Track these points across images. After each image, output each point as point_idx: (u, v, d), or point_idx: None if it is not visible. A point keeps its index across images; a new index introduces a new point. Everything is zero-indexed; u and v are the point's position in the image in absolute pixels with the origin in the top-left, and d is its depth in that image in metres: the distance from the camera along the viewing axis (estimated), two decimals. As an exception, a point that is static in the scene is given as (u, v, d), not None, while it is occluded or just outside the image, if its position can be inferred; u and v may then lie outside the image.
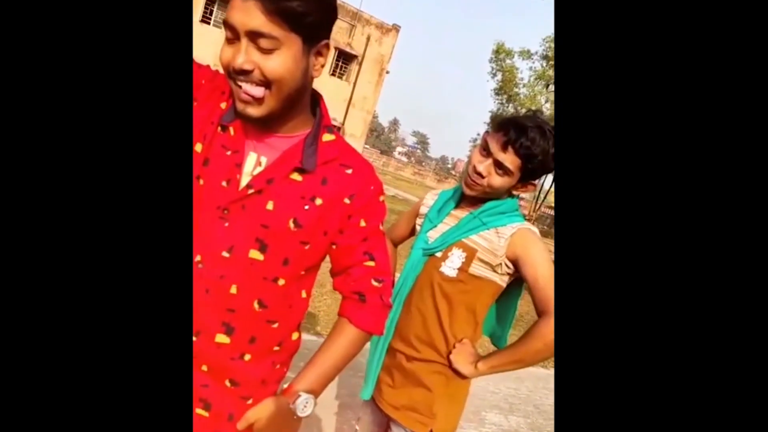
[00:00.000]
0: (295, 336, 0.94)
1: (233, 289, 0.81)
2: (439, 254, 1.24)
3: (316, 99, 0.88)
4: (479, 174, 1.18)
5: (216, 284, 0.81)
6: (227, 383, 0.86)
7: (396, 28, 21.54)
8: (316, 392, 0.88)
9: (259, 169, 0.82)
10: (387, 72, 22.01)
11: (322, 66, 0.81)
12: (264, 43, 0.70)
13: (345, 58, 20.67)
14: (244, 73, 0.73)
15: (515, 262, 1.19)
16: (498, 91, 18.75)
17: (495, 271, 1.21)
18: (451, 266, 1.22)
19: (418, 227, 1.36)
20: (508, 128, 1.15)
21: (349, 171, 0.86)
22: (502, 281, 1.24)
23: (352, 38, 20.44)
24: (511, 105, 18.54)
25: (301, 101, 0.82)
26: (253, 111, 0.76)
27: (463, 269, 1.21)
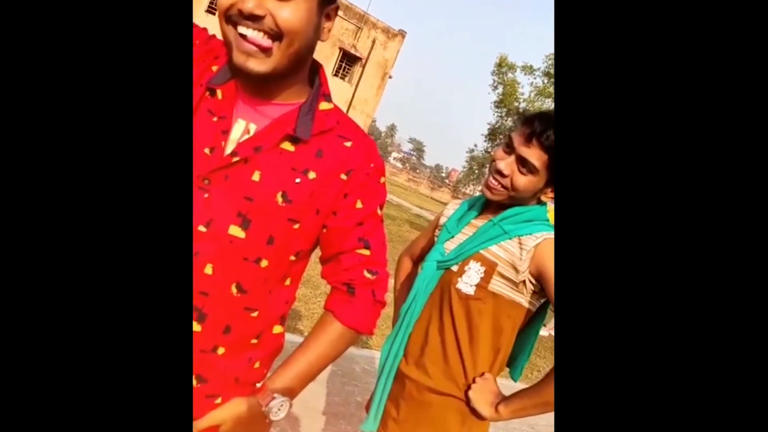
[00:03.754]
0: (277, 329, 0.84)
1: (208, 269, 0.72)
2: (455, 268, 1.07)
3: (315, 68, 0.81)
4: (500, 173, 1.02)
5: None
6: (193, 380, 0.76)
7: (402, 34, 21.61)
8: (292, 394, 0.79)
9: (246, 137, 0.74)
10: (390, 77, 22.05)
11: (329, 31, 0.75)
12: None
13: (349, 59, 20.68)
14: (254, 19, 0.65)
15: (539, 279, 1.00)
16: (498, 104, 18.82)
17: (519, 291, 1.02)
18: (468, 282, 1.04)
19: (436, 239, 1.19)
20: (534, 120, 1.00)
21: (348, 144, 0.77)
22: (528, 303, 1.04)
23: (357, 40, 20.47)
24: (510, 119, 18.63)
25: (303, 65, 0.75)
26: (257, 65, 0.67)
27: (481, 286, 1.03)
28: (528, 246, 1.00)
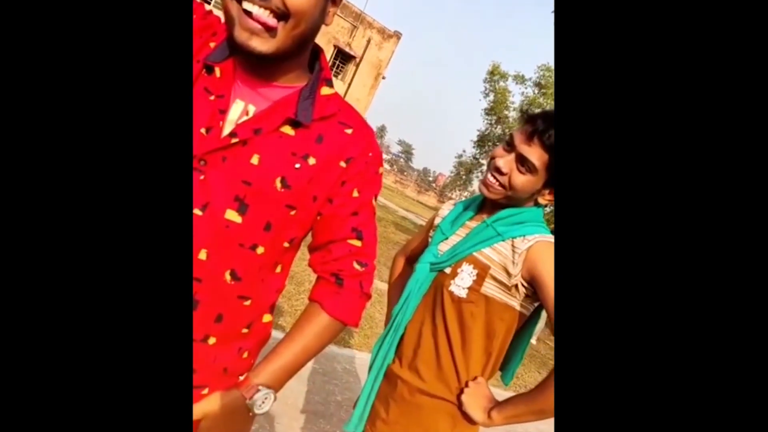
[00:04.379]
0: (266, 318, 0.82)
1: (202, 255, 0.69)
2: (448, 270, 1.05)
3: (316, 53, 0.79)
4: (499, 170, 1.01)
5: None
6: None
7: (397, 35, 21.63)
8: (276, 386, 0.77)
9: (245, 118, 0.71)
10: (383, 77, 22.06)
11: (333, 15, 0.75)
12: None
13: (343, 57, 20.63)
14: None
15: (531, 283, 0.97)
16: (489, 112, 18.96)
17: (512, 294, 1.00)
18: (460, 285, 1.02)
19: (430, 240, 1.17)
20: (536, 119, 0.99)
21: (349, 131, 0.76)
22: (522, 307, 1.02)
23: (352, 39, 20.43)
24: (499, 126, 18.78)
25: (306, 48, 0.74)
26: (260, 44, 0.65)
27: (474, 288, 1.01)
28: (520, 249, 0.98)
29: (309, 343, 0.78)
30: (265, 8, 0.64)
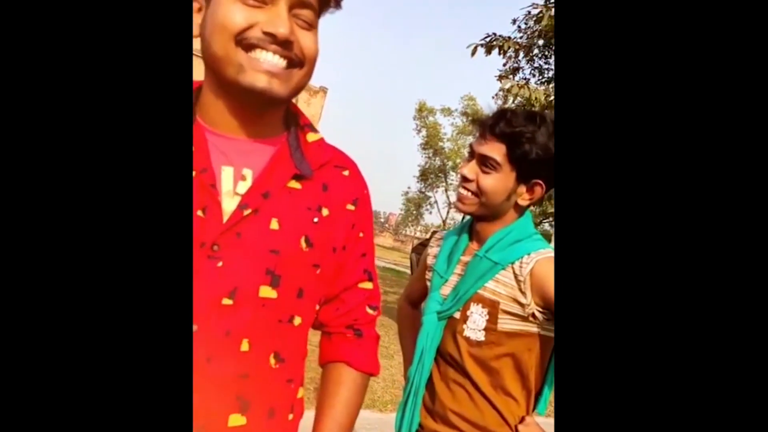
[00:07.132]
0: (300, 393, 0.73)
1: (244, 346, 0.61)
2: (457, 315, 0.99)
3: None
4: (466, 178, 1.00)
5: (221, 345, 0.60)
6: None
7: (324, 90, 22.17)
8: None
9: (243, 184, 0.64)
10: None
11: None
12: (307, 15, 0.62)
13: (274, 119, 20.79)
14: (285, 45, 0.60)
15: (547, 307, 0.92)
16: (425, 146, 19.61)
17: (531, 322, 0.94)
18: (474, 328, 0.96)
19: (428, 284, 1.09)
20: (483, 119, 1.01)
21: (346, 173, 0.73)
22: (546, 331, 0.96)
23: (280, 101, 20.74)
24: (438, 158, 19.41)
25: None
26: (280, 87, 0.61)
27: (490, 328, 0.95)
28: (523, 275, 0.94)
29: (350, 408, 0.73)
30: (285, 57, 0.61)
